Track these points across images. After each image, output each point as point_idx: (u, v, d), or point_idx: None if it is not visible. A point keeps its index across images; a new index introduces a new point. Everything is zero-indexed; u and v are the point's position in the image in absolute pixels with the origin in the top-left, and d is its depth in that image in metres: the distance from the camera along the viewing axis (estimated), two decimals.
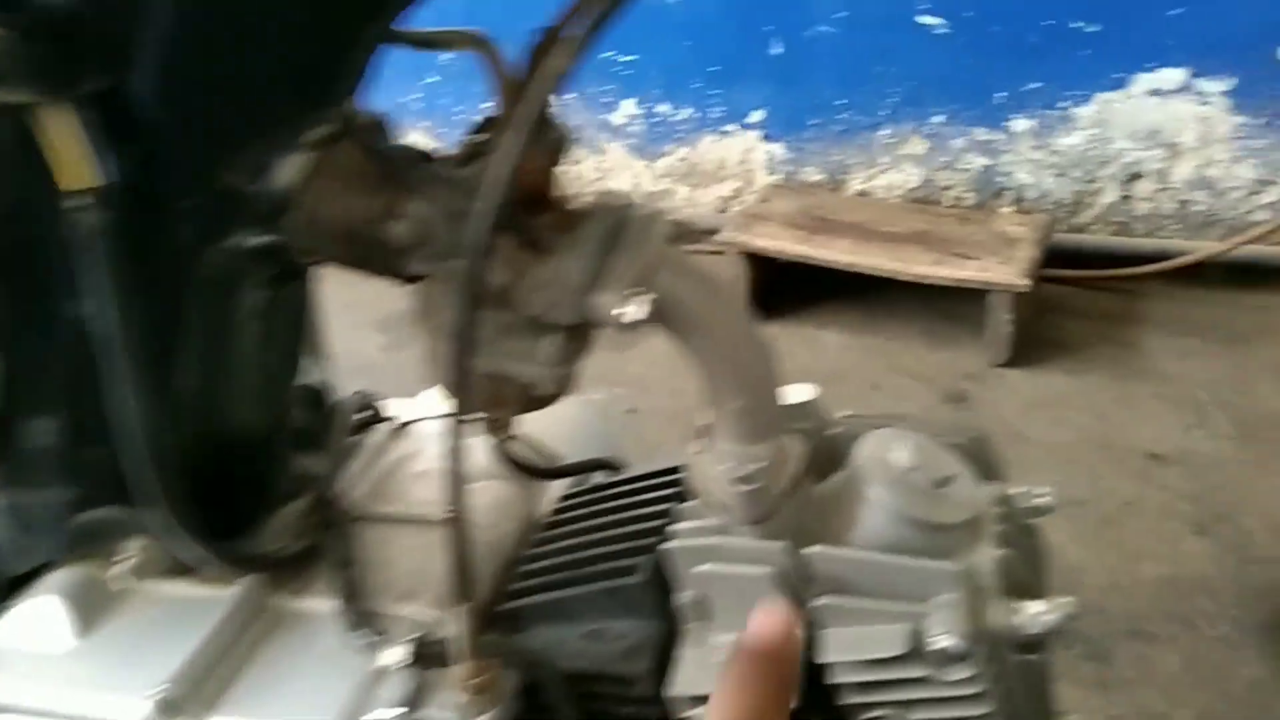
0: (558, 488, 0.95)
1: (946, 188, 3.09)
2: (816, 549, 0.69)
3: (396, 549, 0.85)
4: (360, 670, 0.74)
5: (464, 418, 0.67)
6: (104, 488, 0.81)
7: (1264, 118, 2.74)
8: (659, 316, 0.66)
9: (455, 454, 0.65)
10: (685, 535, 0.72)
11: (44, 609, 0.83)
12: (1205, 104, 2.77)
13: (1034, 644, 0.69)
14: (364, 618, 0.76)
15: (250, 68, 0.67)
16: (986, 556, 0.70)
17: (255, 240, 0.73)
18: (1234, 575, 1.97)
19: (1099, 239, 2.97)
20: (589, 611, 0.76)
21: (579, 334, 0.71)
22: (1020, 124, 2.96)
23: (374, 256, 0.71)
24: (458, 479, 0.66)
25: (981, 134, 3.00)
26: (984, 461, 0.79)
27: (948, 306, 2.78)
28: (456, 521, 0.67)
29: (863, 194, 3.16)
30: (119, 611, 0.84)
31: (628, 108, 3.33)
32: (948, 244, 2.77)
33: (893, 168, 3.13)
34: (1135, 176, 2.91)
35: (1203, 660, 1.81)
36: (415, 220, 0.69)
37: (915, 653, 0.66)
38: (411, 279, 0.74)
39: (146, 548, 0.85)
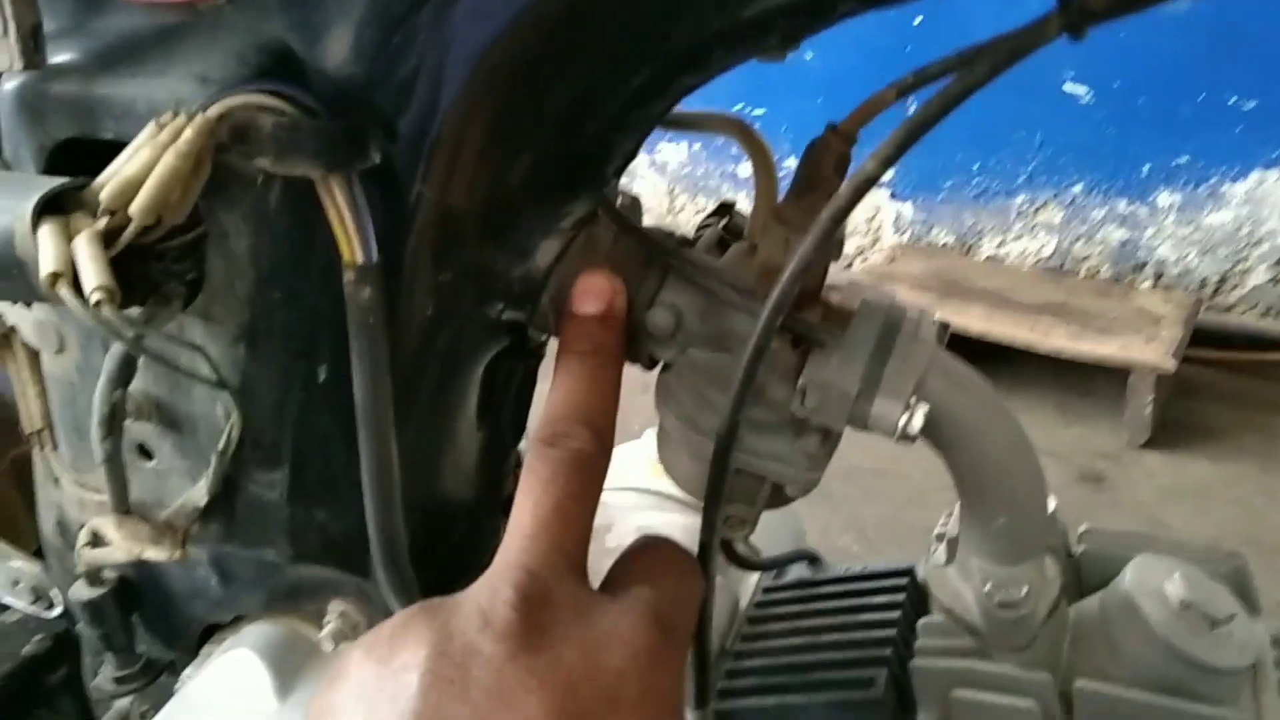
0: (755, 580, 0.92)
1: (1083, 259, 3.00)
2: (1086, 684, 0.64)
3: None
4: None
5: (716, 516, 0.64)
6: (315, 548, 0.80)
7: None
8: (929, 425, 0.63)
9: (710, 553, 0.62)
10: (935, 654, 0.68)
11: (244, 665, 0.82)
12: None
13: None
14: None
15: (519, 148, 0.66)
16: (1273, 708, 0.64)
17: (500, 315, 0.71)
18: None
19: (1245, 320, 2.85)
20: None
21: (836, 436, 0.67)
22: (1165, 198, 2.86)
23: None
24: (711, 580, 0.63)
25: (1122, 206, 2.92)
26: (1244, 591, 0.74)
27: (1081, 383, 2.69)
28: (704, 623, 0.64)
29: (993, 259, 3.09)
30: (318, 674, 0.82)
31: None
32: (1086, 317, 2.68)
33: (1026, 235, 3.05)
34: None
35: None
36: (672, 308, 0.67)
37: None
38: (653, 363, 0.72)
39: (345, 613, 0.84)
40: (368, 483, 0.67)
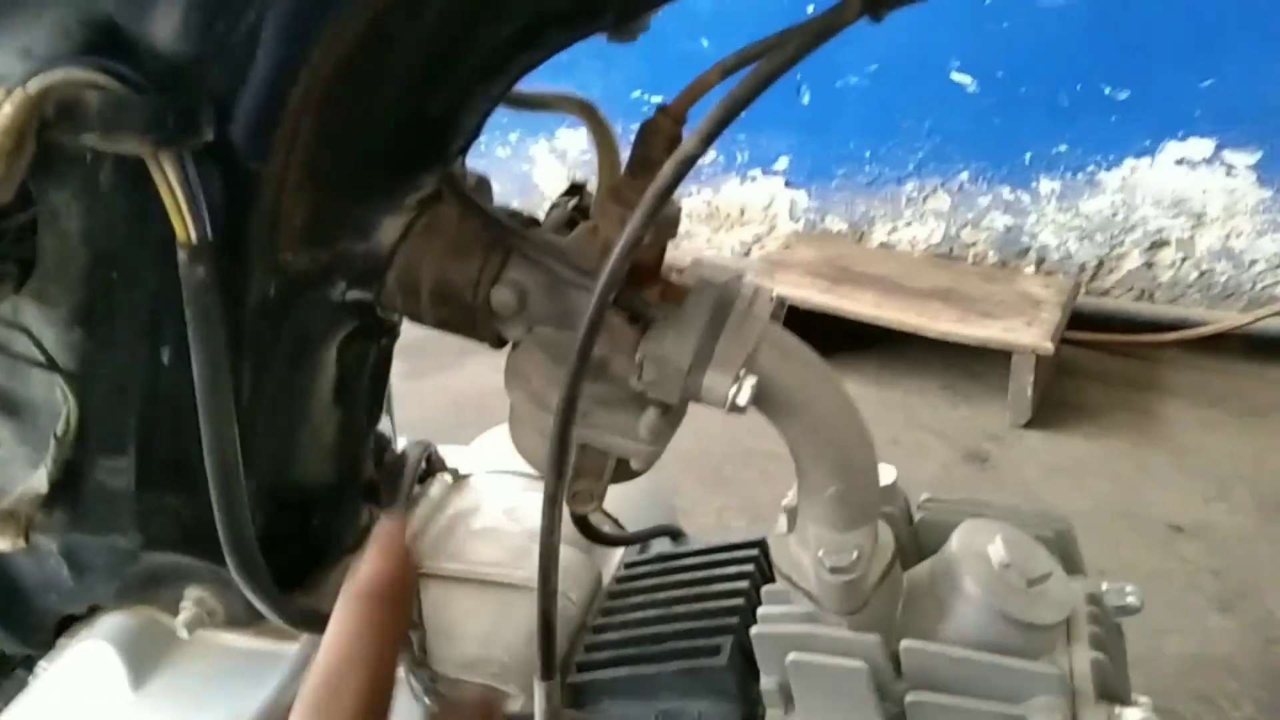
0: (620, 554, 0.94)
1: (970, 244, 3.10)
2: (911, 643, 0.67)
3: (459, 611, 0.84)
4: None
5: (559, 490, 0.65)
6: (166, 534, 0.79)
7: None
8: (760, 398, 0.65)
9: (553, 526, 0.64)
10: (774, 620, 0.70)
11: (97, 656, 0.81)
12: (1232, 175, 2.79)
13: None
14: (433, 685, 0.74)
15: (359, 126, 0.66)
16: (1082, 659, 0.68)
17: (347, 295, 0.72)
18: (1258, 655, 1.95)
19: (1121, 304, 2.97)
20: (666, 690, 0.75)
21: (677, 410, 0.69)
22: (1046, 185, 2.97)
23: (467, 319, 0.70)
24: (553, 551, 0.64)
25: (1006, 193, 3.02)
26: (1068, 555, 0.78)
27: (968, 364, 2.78)
28: (549, 595, 0.65)
29: (885, 246, 3.16)
30: (175, 662, 0.82)
31: None
32: (971, 302, 2.77)
33: (915, 222, 3.13)
34: (1159, 244, 2.92)
35: None
36: (515, 286, 0.68)
37: None
38: (501, 342, 0.73)
39: (202, 599, 0.83)
40: (210, 466, 0.67)
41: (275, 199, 0.65)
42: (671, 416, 0.68)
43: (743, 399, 0.63)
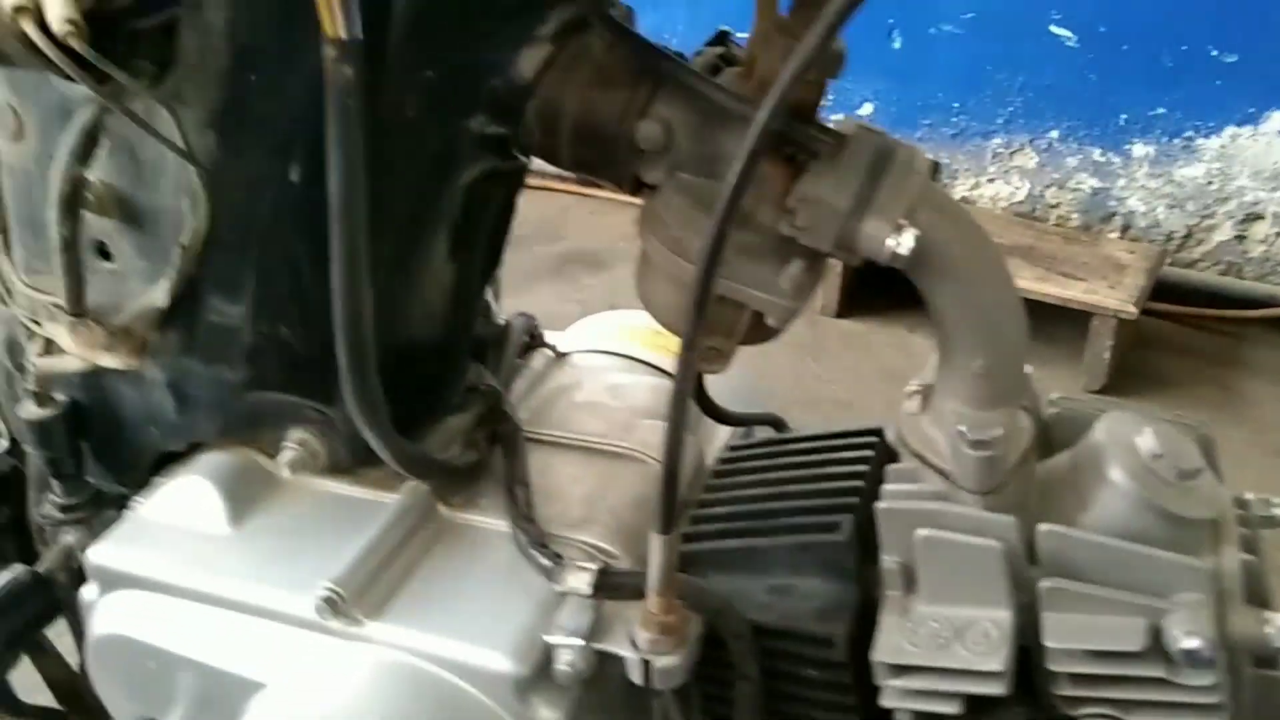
0: (723, 437, 0.91)
1: (1054, 205, 3.01)
2: (1050, 527, 0.64)
3: (562, 475, 0.82)
4: (538, 592, 0.70)
5: (694, 344, 0.62)
6: (275, 370, 0.78)
7: None
8: (916, 257, 0.62)
9: (686, 376, 0.61)
10: (901, 497, 0.68)
11: (197, 492, 0.80)
12: None
13: (1272, 658, 0.64)
14: (541, 538, 0.72)
15: None
16: (1232, 559, 0.65)
17: (484, 128, 0.69)
18: None
19: (1207, 277, 2.88)
20: (779, 565, 0.72)
21: (818, 265, 0.66)
22: (1140, 149, 2.87)
23: (608, 158, 0.68)
24: (684, 399, 0.62)
25: (1097, 154, 2.92)
26: (1210, 460, 0.74)
27: (1043, 325, 2.71)
28: (675, 445, 0.62)
29: (966, 201, 3.08)
30: (274, 504, 0.81)
31: None
32: (1053, 262, 2.69)
33: (1000, 178, 3.05)
34: (1254, 217, 2.81)
35: None
36: (663, 121, 0.65)
37: (1152, 650, 0.61)
38: (638, 187, 0.70)
39: (305, 441, 0.81)
40: (338, 292, 0.65)
41: (419, 8, 0.63)
42: (814, 271, 0.65)
43: (904, 248, 0.60)
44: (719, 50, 0.71)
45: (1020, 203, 3.05)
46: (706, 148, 0.65)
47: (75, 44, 0.49)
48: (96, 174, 0.67)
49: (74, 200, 0.66)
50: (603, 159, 0.67)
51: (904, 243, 0.60)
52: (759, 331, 0.68)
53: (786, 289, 0.64)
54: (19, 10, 0.50)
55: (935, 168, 0.65)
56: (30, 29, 0.49)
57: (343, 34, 0.57)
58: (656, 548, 0.64)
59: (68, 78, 0.55)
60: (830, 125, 0.66)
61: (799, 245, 0.63)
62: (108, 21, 0.58)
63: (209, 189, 0.65)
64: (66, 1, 0.50)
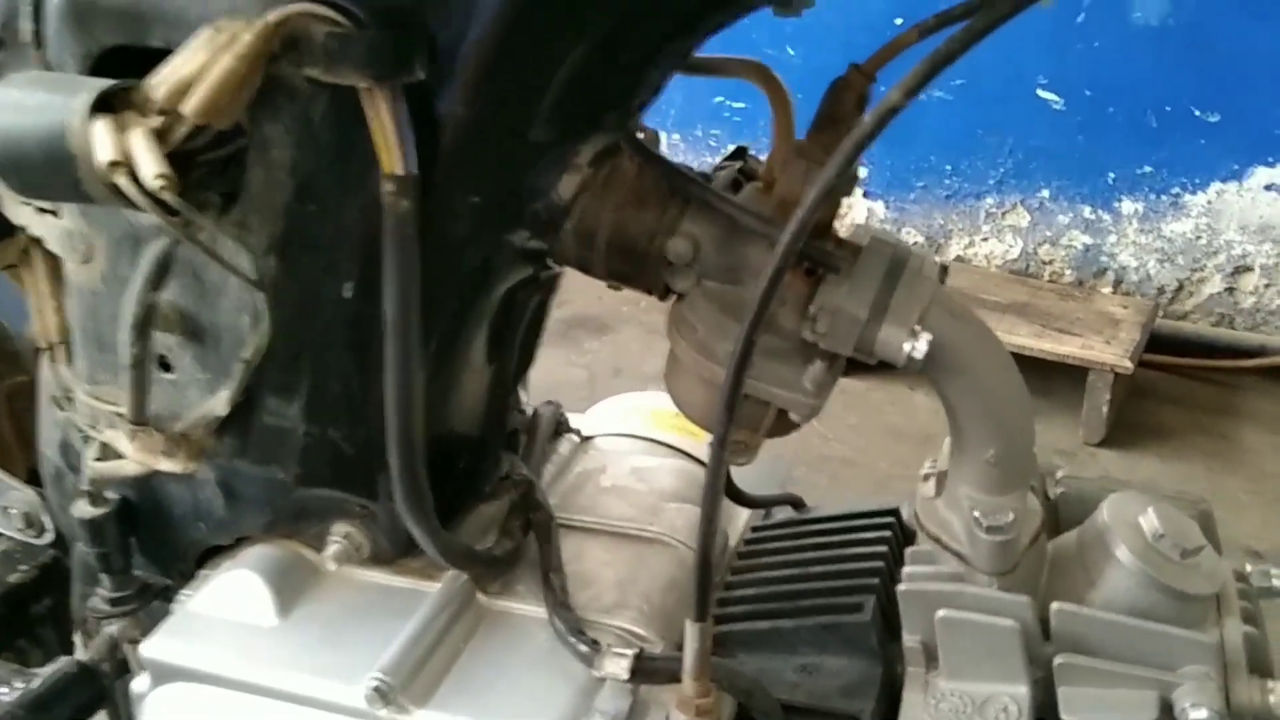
0: (745, 519, 0.95)
1: (1047, 262, 3.08)
2: (1063, 606, 0.68)
3: (594, 561, 0.86)
4: (577, 677, 0.74)
5: (725, 439, 0.66)
6: (324, 468, 0.82)
7: None
8: (929, 357, 0.67)
9: (718, 472, 0.65)
10: (921, 579, 0.72)
11: (244, 585, 0.84)
12: None
13: None
14: (578, 625, 0.76)
15: (550, 79, 0.68)
16: (1235, 632, 0.69)
17: (524, 243, 0.74)
18: None
19: (1200, 328, 2.94)
20: (805, 645, 0.76)
21: (838, 364, 0.71)
22: (1129, 206, 2.95)
23: (640, 270, 0.73)
24: (718, 493, 0.66)
25: (1087, 212, 3.00)
26: (1209, 532, 0.78)
27: (1040, 381, 2.76)
28: (708, 538, 0.67)
29: (961, 259, 3.15)
30: (319, 595, 0.84)
31: None
32: (1049, 318, 2.75)
33: (994, 237, 3.12)
34: (1243, 269, 2.88)
35: None
36: (690, 238, 0.70)
37: None
38: (666, 293, 0.75)
39: (350, 534, 0.86)
40: (391, 398, 0.70)
41: (466, 142, 0.68)
42: (834, 370, 0.70)
43: (919, 352, 0.65)
44: (738, 165, 0.77)
45: (1014, 260, 3.12)
46: (731, 259, 0.70)
47: (168, 197, 0.54)
48: (165, 295, 0.72)
49: (146, 322, 0.71)
50: (635, 271, 0.72)
51: (919, 347, 0.64)
52: (782, 425, 0.73)
53: (809, 388, 0.69)
54: (114, 165, 0.55)
55: (943, 270, 0.70)
56: (124, 183, 0.54)
57: (399, 170, 0.63)
58: (692, 634, 0.68)
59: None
60: (844, 236, 0.71)
61: (820, 348, 0.68)
62: (182, 158, 0.63)
63: (271, 308, 0.70)
64: (158, 157, 0.55)
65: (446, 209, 0.69)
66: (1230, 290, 2.91)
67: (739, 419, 0.72)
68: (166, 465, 0.79)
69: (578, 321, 3.17)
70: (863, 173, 3.22)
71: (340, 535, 0.86)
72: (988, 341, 0.69)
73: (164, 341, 0.75)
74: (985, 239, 3.13)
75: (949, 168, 3.10)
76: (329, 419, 0.78)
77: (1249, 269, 2.87)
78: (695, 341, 0.71)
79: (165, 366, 0.77)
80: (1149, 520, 0.70)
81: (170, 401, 0.78)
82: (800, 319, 0.68)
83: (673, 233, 0.70)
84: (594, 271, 0.73)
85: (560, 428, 1.00)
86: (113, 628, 0.96)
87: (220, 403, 0.75)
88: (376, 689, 0.74)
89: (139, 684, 0.85)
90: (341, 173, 0.67)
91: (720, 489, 0.66)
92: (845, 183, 0.67)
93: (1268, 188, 2.79)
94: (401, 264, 0.65)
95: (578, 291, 3.41)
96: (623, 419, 1.07)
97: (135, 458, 0.79)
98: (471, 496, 0.88)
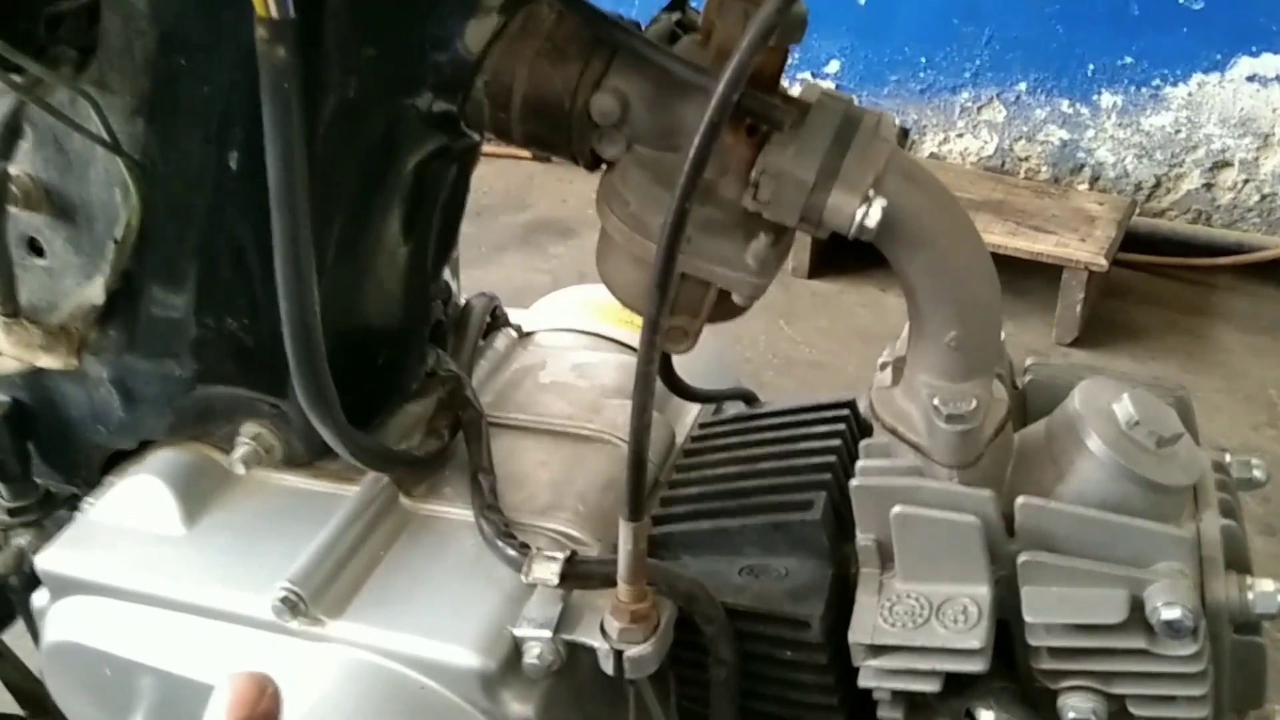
0: (694, 415, 0.89)
1: (1023, 159, 2.99)
2: (1027, 500, 0.62)
3: (529, 461, 0.79)
4: (504, 583, 0.68)
5: (659, 323, 0.59)
6: (224, 364, 0.75)
7: None
8: (885, 227, 0.60)
9: (650, 358, 0.59)
10: (875, 473, 0.66)
11: (149, 491, 0.78)
12: None
13: (1254, 624, 0.63)
14: (506, 528, 0.70)
15: None
16: (1212, 525, 0.64)
17: (430, 106, 0.66)
18: None
19: (1176, 226, 2.88)
20: (751, 545, 0.70)
21: (785, 239, 0.64)
22: (1108, 99, 2.85)
23: (562, 133, 0.65)
24: (649, 383, 0.59)
25: (1065, 106, 2.90)
26: (1187, 421, 0.73)
27: (1014, 279, 2.70)
28: (641, 430, 0.60)
29: (935, 157, 3.06)
30: (229, 501, 0.78)
31: None
32: (1023, 216, 2.68)
33: (969, 133, 3.03)
34: (1222, 165, 2.81)
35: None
36: (618, 94, 0.62)
37: (1133, 622, 0.60)
38: (595, 162, 0.67)
39: (259, 435, 0.79)
40: (282, 281, 0.61)
41: None
42: (781, 245, 0.63)
43: (871, 220, 0.57)
44: (675, 16, 0.68)
45: (989, 157, 3.03)
46: (664, 120, 0.62)
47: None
48: (21, 167, 0.63)
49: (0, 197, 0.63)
50: (557, 134, 0.64)
51: (872, 214, 0.57)
52: (725, 309, 0.66)
53: (752, 265, 0.62)
54: None
55: (904, 133, 0.62)
56: None
57: (274, 13, 0.54)
58: (625, 535, 0.62)
59: None
60: (793, 94, 0.63)
61: (764, 220, 0.60)
62: (22, 6, 0.54)
63: (139, 180, 0.62)
64: None
65: (338, 63, 0.61)
66: (1208, 186, 2.84)
67: (676, 302, 0.65)
68: (46, 361, 0.71)
69: (541, 225, 3.08)
70: (834, 66, 3.10)
71: (249, 436, 0.78)
72: (950, 211, 0.62)
73: (30, 222, 0.67)
74: (960, 135, 3.04)
75: (924, 59, 2.98)
76: (224, 309, 0.71)
77: (1228, 164, 2.80)
78: (626, 215, 0.64)
79: (37, 251, 0.69)
80: (1123, 407, 0.64)
81: (45, 290, 0.70)
82: (742, 187, 0.60)
83: (597, 88, 0.62)
84: (512, 137, 0.65)
85: (497, 321, 0.93)
86: (21, 539, 0.90)
87: (96, 290, 0.67)
88: (285, 599, 0.68)
89: (38, 598, 0.79)
90: (210, 19, 0.58)
91: (653, 376, 0.59)
92: (791, 27, 0.59)
93: (1250, 79, 2.70)
94: (281, 123, 0.56)
95: (541, 195, 3.32)
96: (567, 313, 1.00)
97: (10, 353, 0.71)
98: (396, 394, 0.81)
